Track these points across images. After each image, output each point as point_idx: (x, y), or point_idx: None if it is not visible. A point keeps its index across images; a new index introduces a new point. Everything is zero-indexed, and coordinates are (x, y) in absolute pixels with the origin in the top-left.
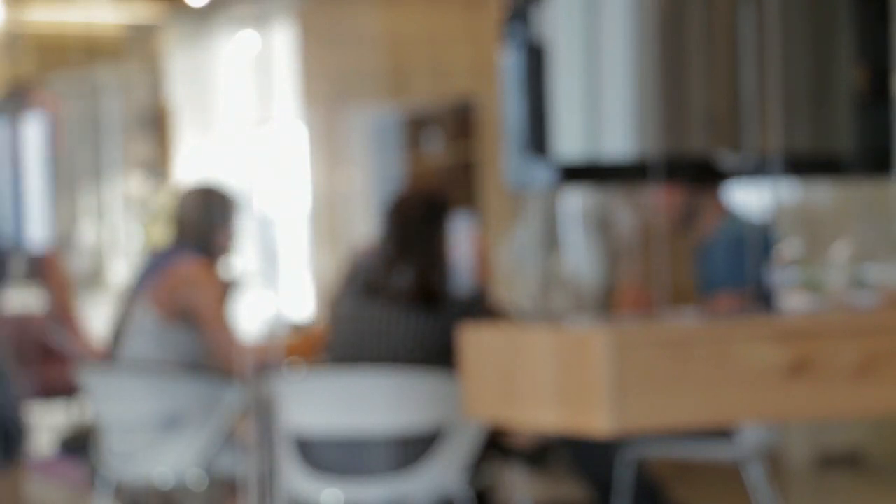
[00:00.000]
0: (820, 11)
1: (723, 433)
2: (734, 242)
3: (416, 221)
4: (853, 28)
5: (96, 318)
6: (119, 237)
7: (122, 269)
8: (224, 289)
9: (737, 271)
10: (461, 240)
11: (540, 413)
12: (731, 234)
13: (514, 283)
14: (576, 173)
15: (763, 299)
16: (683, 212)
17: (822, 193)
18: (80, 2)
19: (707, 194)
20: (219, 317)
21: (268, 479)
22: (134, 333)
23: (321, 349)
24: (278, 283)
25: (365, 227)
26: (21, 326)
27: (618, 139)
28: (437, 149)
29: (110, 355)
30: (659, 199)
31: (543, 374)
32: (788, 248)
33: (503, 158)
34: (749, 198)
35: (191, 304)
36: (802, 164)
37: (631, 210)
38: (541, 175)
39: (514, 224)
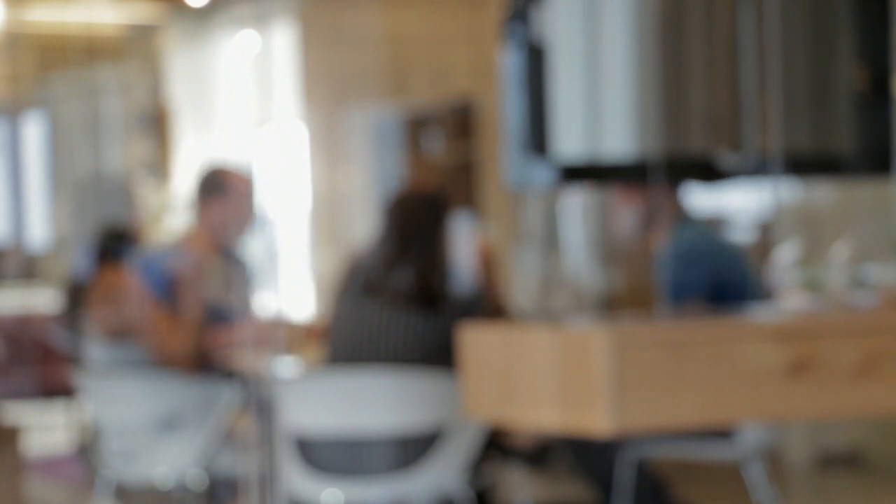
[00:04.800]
0: (820, 11)
1: (723, 433)
2: (682, 252)
3: (416, 221)
4: (853, 28)
5: None
6: None
7: None
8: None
9: (684, 282)
10: (461, 240)
11: (540, 413)
12: (680, 243)
13: (514, 283)
14: (576, 173)
15: (720, 302)
16: (642, 216)
17: (822, 193)
18: (80, 2)
19: (665, 198)
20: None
21: (268, 479)
22: None
23: (320, 346)
24: (278, 282)
25: (365, 226)
26: (21, 326)
27: (618, 139)
28: (437, 149)
29: None
30: (617, 202)
31: (543, 374)
32: (788, 248)
33: (503, 158)
34: (749, 198)
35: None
36: (802, 164)
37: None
38: (541, 175)
39: (514, 224)
